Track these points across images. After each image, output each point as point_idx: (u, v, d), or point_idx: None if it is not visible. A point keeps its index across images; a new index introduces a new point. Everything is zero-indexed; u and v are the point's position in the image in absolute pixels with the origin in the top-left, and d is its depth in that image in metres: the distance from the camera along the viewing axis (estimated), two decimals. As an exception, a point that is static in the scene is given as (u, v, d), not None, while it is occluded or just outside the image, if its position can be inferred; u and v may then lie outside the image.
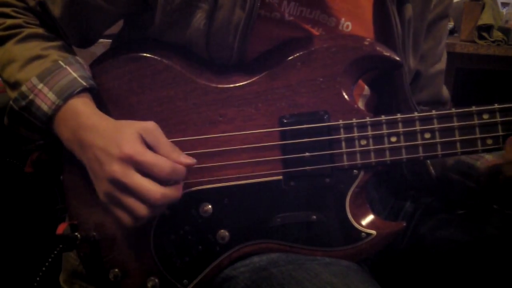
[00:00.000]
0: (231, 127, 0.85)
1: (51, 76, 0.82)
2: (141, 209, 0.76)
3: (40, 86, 0.81)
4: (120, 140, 0.76)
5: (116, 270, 0.87)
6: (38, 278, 0.92)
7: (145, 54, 0.87)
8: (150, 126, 0.79)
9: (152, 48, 0.88)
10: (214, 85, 0.86)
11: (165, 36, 0.88)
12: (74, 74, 0.83)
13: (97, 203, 0.86)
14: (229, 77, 0.87)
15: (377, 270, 0.98)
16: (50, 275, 0.96)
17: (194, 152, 0.85)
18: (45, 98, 0.81)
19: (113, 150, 0.76)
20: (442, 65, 1.10)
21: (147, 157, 0.76)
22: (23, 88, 0.82)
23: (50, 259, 0.91)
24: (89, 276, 0.88)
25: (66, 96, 0.81)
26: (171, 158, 0.77)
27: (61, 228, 0.82)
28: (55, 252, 0.91)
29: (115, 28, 0.99)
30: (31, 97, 0.81)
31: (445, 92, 1.13)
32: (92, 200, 0.85)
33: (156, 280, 0.86)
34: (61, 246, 0.83)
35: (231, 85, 0.86)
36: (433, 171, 1.03)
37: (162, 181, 0.76)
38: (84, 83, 0.82)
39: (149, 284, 0.86)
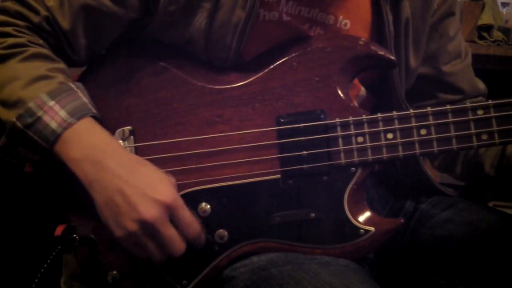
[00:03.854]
0: (229, 127, 0.85)
1: (63, 96, 0.80)
2: (160, 256, 0.79)
3: (51, 103, 0.79)
4: (159, 185, 0.78)
5: (115, 272, 0.86)
6: (36, 280, 0.92)
7: (142, 56, 0.87)
8: (174, 182, 0.82)
9: (149, 50, 0.88)
10: (211, 86, 0.86)
11: (165, 36, 0.88)
12: (85, 99, 0.82)
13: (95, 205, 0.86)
14: (225, 78, 0.87)
15: (376, 270, 0.98)
16: (49, 277, 0.96)
17: (192, 152, 0.85)
18: (56, 116, 0.79)
19: (155, 195, 0.76)
20: (465, 61, 1.09)
21: (187, 213, 0.79)
22: (31, 104, 0.78)
23: (48, 261, 0.91)
24: (87, 278, 0.88)
25: (79, 116, 0.80)
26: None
27: (59, 230, 0.82)
28: (54, 253, 0.91)
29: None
30: (39, 114, 0.78)
31: (481, 84, 1.12)
32: (90, 202, 0.86)
33: (155, 282, 0.86)
34: (59, 247, 0.83)
35: (228, 86, 0.86)
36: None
37: (186, 239, 0.80)
38: (94, 110, 0.83)
39: (148, 286, 0.86)
